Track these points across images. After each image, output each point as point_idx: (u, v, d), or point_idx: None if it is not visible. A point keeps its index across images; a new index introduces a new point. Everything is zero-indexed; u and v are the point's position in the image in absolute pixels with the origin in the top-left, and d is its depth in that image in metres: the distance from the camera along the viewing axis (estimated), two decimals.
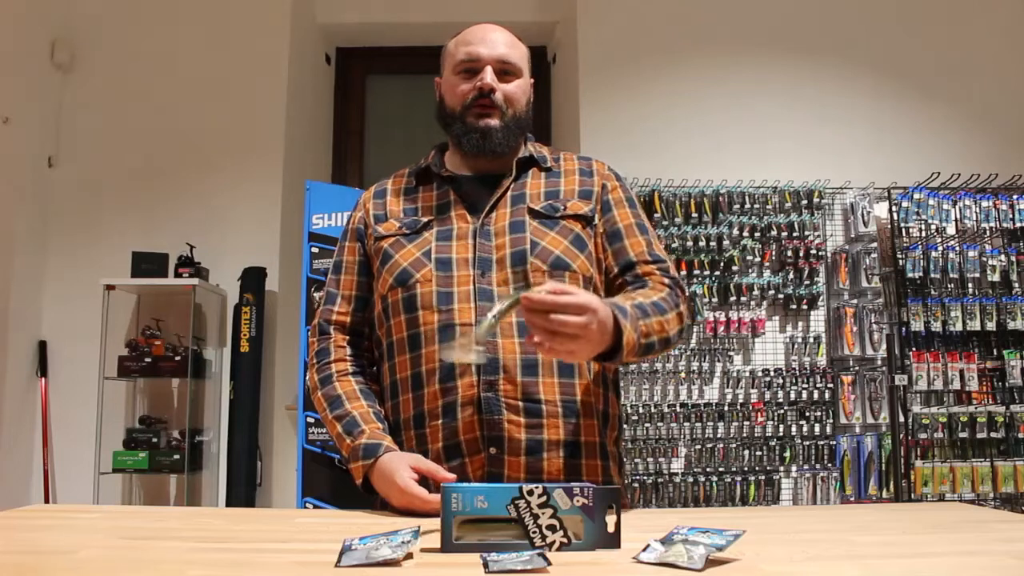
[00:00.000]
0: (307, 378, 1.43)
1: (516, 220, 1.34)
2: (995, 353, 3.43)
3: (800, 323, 3.55)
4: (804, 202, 3.55)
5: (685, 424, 3.41)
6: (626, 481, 3.25)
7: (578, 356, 1.14)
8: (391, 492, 1.18)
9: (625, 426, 3.34)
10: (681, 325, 1.29)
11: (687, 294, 1.38)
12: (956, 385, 3.35)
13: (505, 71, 1.37)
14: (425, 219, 1.36)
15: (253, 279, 3.48)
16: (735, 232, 3.51)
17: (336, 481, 2.80)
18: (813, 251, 3.50)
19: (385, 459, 1.22)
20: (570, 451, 1.27)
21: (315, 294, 2.84)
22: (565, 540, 0.85)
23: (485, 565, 0.76)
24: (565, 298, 1.06)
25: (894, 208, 3.44)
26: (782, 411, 3.43)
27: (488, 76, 1.34)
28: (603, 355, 1.15)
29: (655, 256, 1.35)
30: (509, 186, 1.38)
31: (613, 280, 1.36)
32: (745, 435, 3.42)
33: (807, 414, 3.44)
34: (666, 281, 1.32)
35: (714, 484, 3.37)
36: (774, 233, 3.52)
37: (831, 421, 3.44)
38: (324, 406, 1.35)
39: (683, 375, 3.45)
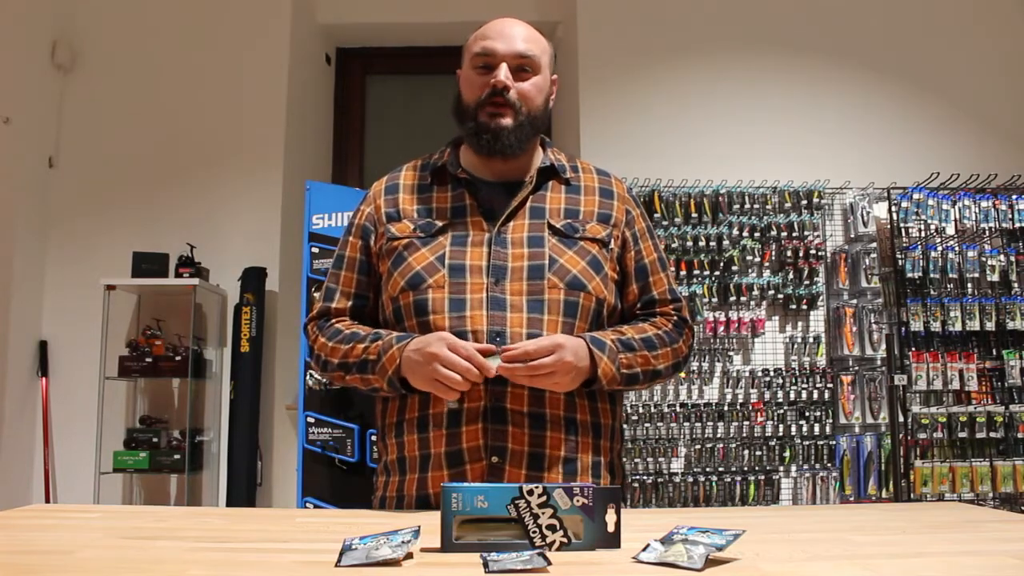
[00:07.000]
0: (312, 348, 1.37)
1: (535, 234, 1.32)
2: (994, 353, 3.42)
3: (800, 323, 3.55)
4: (804, 202, 3.55)
5: (685, 424, 3.41)
6: (626, 480, 3.25)
7: (560, 388, 1.23)
8: (431, 343, 1.20)
9: (625, 426, 3.34)
10: (676, 360, 1.37)
11: (692, 331, 1.43)
12: (955, 385, 3.34)
13: (522, 67, 1.33)
14: (440, 223, 1.33)
15: (253, 279, 3.48)
16: (735, 232, 3.51)
17: (336, 481, 2.80)
18: (813, 251, 3.50)
19: (421, 336, 1.24)
20: (572, 470, 1.27)
21: (315, 294, 2.84)
22: (565, 540, 0.85)
23: (485, 565, 0.76)
24: (536, 343, 1.19)
25: (893, 208, 3.44)
26: (782, 411, 3.44)
27: (502, 73, 1.31)
28: (585, 382, 1.26)
29: (674, 296, 1.41)
30: (528, 196, 1.35)
31: (631, 307, 1.40)
32: (745, 435, 3.42)
33: (807, 414, 3.44)
34: (674, 319, 1.39)
35: (714, 484, 3.37)
36: (774, 233, 3.52)
37: (831, 421, 3.44)
38: (340, 345, 1.32)
39: (683, 375, 3.45)
